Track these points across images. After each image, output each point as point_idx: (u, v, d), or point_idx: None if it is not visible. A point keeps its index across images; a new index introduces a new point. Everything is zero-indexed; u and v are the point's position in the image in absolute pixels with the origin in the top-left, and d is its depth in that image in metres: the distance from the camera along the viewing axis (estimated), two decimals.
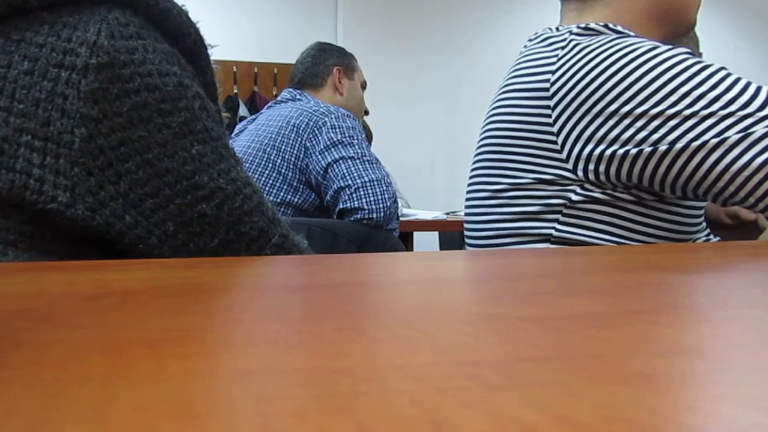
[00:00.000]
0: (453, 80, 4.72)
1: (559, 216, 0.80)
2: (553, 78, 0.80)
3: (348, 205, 1.40)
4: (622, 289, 0.29)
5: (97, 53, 0.47)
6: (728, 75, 0.72)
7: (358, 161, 1.42)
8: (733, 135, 0.69)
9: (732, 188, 0.70)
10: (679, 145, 0.71)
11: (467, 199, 0.94)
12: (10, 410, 0.13)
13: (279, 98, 1.64)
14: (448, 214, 2.47)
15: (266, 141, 1.47)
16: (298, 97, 1.61)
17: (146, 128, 0.48)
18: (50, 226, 0.47)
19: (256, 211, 0.52)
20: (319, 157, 1.43)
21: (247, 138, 1.52)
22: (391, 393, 0.14)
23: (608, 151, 0.75)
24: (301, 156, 1.45)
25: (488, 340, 0.19)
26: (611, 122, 0.75)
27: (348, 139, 1.44)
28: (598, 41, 0.79)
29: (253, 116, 1.67)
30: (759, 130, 0.68)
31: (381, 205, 1.40)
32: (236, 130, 1.68)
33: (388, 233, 1.44)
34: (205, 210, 0.49)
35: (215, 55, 0.59)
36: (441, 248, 2.95)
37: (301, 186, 1.46)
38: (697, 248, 0.53)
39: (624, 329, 0.21)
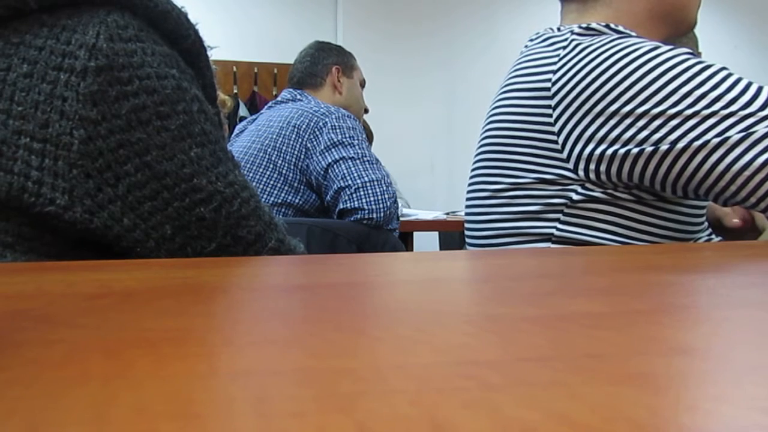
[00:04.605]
0: (453, 80, 4.72)
1: (560, 215, 0.80)
2: (554, 78, 0.80)
3: (348, 205, 1.40)
4: (622, 289, 0.29)
5: (96, 56, 0.47)
6: (729, 75, 0.72)
7: (358, 161, 1.42)
8: (734, 135, 0.69)
9: (733, 188, 0.70)
10: (680, 145, 0.71)
11: (468, 199, 0.94)
12: (10, 410, 0.13)
13: (279, 98, 1.64)
14: (448, 214, 2.47)
15: (267, 142, 1.47)
16: (298, 97, 1.61)
17: (145, 131, 0.48)
18: (48, 229, 0.47)
19: (253, 215, 0.52)
20: (320, 157, 1.43)
21: (248, 138, 1.52)
22: (391, 393, 0.14)
23: (609, 151, 0.75)
24: (302, 157, 1.45)
25: (488, 340, 0.19)
26: (612, 122, 0.75)
27: (348, 139, 1.44)
28: (600, 41, 0.79)
29: (254, 116, 1.67)
30: (760, 129, 0.68)
31: (381, 206, 1.40)
32: (236, 131, 1.67)
33: (388, 233, 1.44)
34: (203, 213, 0.49)
35: (215, 55, 0.59)
36: (441, 248, 2.95)
37: (302, 186, 1.46)
38: (698, 248, 0.53)
39: (624, 329, 0.21)
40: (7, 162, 0.46)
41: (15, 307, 0.25)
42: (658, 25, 0.89)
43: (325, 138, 1.44)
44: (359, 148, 1.44)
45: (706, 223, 0.88)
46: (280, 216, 1.30)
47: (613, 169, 0.76)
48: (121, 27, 0.49)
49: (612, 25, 0.83)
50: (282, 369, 0.16)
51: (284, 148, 1.45)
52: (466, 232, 0.95)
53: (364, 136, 1.49)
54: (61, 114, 0.46)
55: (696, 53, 0.76)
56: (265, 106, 1.68)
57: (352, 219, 1.40)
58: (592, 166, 0.77)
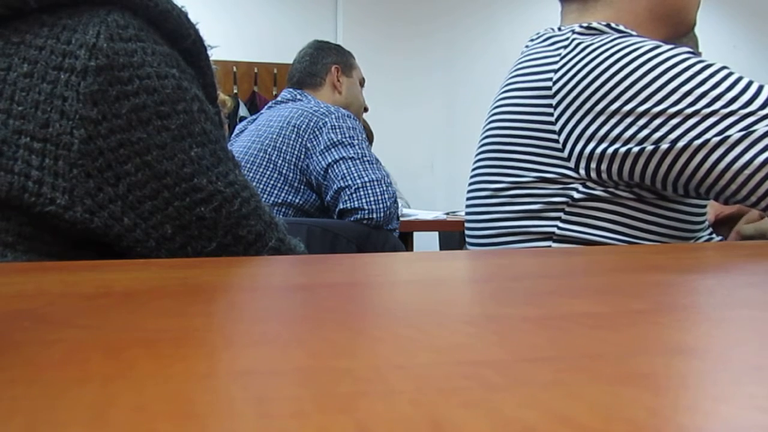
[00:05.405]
0: (453, 80, 4.71)
1: (561, 214, 0.80)
2: (555, 77, 0.80)
3: (348, 205, 1.40)
4: (622, 289, 0.29)
5: (96, 56, 0.47)
6: (730, 74, 0.72)
7: (358, 161, 1.42)
8: (734, 133, 0.69)
9: (734, 187, 0.70)
10: (680, 144, 0.71)
11: (468, 198, 0.94)
12: (10, 410, 0.13)
13: (279, 98, 1.64)
14: (448, 214, 2.47)
15: (267, 141, 1.47)
16: (298, 97, 1.61)
17: (145, 130, 0.48)
18: (49, 228, 0.47)
19: (253, 214, 0.52)
20: (320, 157, 1.43)
21: (248, 138, 1.52)
22: (391, 393, 0.14)
23: (610, 150, 0.75)
24: (302, 156, 1.45)
25: (488, 340, 0.19)
26: (613, 120, 0.75)
27: (348, 139, 1.44)
28: (601, 40, 0.79)
29: (254, 116, 1.67)
30: (760, 128, 0.68)
31: (381, 206, 1.40)
32: (236, 131, 1.67)
33: (388, 233, 1.44)
34: (204, 213, 0.49)
35: (215, 55, 0.59)
36: (441, 248, 2.95)
37: (302, 186, 1.46)
38: (698, 248, 0.53)
39: (624, 329, 0.21)
40: (7, 162, 0.46)
41: (15, 307, 0.25)
42: (658, 25, 0.89)
43: (325, 138, 1.44)
44: (359, 148, 1.44)
45: (707, 222, 0.88)
46: (280, 216, 1.30)
47: (614, 167, 0.76)
48: (122, 27, 0.49)
49: (613, 25, 0.83)
50: (282, 369, 0.16)
51: (284, 148, 1.45)
52: (467, 232, 0.95)
53: (364, 135, 1.49)
54: (61, 113, 0.46)
55: (697, 53, 0.76)
56: (265, 106, 1.68)
57: (352, 219, 1.40)
58: (593, 165, 0.77)
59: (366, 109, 1.87)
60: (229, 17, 4.45)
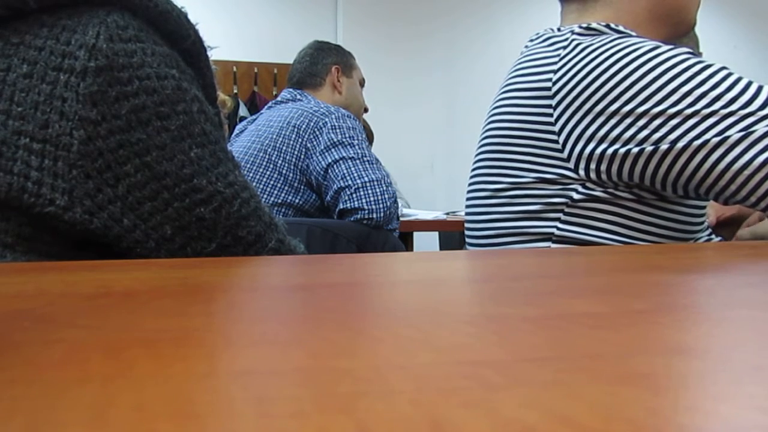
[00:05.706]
0: (453, 80, 4.72)
1: (560, 215, 0.80)
2: (555, 77, 0.80)
3: (348, 205, 1.40)
4: (622, 289, 0.29)
5: (96, 56, 0.47)
6: (729, 74, 0.72)
7: (358, 161, 1.42)
8: (734, 134, 0.69)
9: (733, 187, 0.70)
10: (680, 144, 0.71)
11: (468, 199, 0.94)
12: (10, 410, 0.13)
13: (279, 98, 1.64)
14: (448, 214, 2.47)
15: (267, 142, 1.47)
16: (298, 97, 1.61)
17: (145, 131, 0.48)
18: (48, 229, 0.47)
19: (253, 215, 0.52)
20: (320, 157, 1.43)
21: (248, 138, 1.53)
22: (391, 393, 0.14)
23: (609, 150, 0.75)
24: (302, 157, 1.45)
25: (488, 340, 0.19)
26: (613, 121, 0.75)
27: (348, 139, 1.44)
28: (600, 41, 0.79)
29: (254, 116, 1.67)
30: (760, 129, 0.68)
31: (381, 206, 1.40)
32: (236, 131, 1.68)
33: (388, 233, 1.44)
34: (203, 214, 0.49)
35: (215, 55, 0.59)
36: (441, 248, 2.95)
37: (302, 186, 1.46)
38: (698, 248, 0.53)
39: (624, 329, 0.21)
40: (6, 162, 0.46)
41: (15, 307, 0.25)
42: (658, 25, 0.89)
43: (325, 138, 1.44)
44: (359, 148, 1.44)
45: (706, 223, 0.88)
46: (280, 216, 1.30)
47: (614, 168, 0.76)
48: (121, 27, 0.49)
49: (612, 25, 0.83)
50: (282, 369, 0.16)
51: (284, 148, 1.45)
52: (467, 232, 0.95)
53: (364, 135, 1.49)
54: (60, 114, 0.46)
55: (697, 53, 0.76)
56: (265, 106, 1.68)
57: (352, 219, 1.40)
58: (593, 166, 0.77)
59: (366, 110, 1.87)
60: (229, 17, 4.44)
